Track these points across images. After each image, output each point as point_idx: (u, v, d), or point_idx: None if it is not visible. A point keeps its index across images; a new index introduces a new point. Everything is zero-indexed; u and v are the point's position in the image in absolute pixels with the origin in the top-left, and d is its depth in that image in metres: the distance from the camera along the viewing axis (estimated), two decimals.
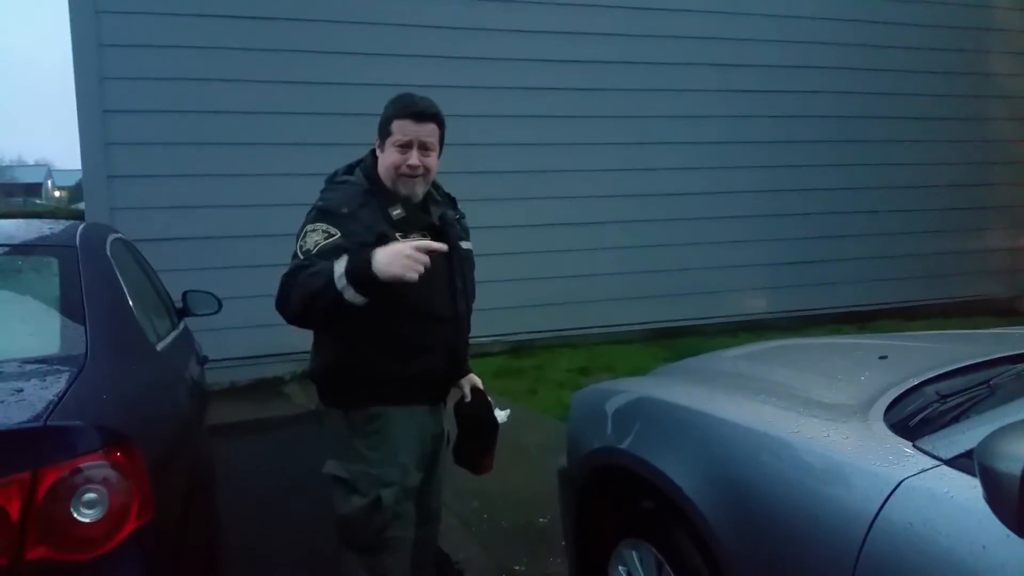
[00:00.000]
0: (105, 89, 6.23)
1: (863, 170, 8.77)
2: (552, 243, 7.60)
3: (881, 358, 2.35)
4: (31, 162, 61.52)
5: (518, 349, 7.48)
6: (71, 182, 49.61)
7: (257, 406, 6.09)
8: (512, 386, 6.23)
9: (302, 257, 2.08)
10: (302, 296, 2.01)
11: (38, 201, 48.25)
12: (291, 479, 4.27)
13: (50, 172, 60.86)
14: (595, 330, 7.82)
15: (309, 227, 2.13)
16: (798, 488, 1.67)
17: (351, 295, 1.95)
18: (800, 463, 1.69)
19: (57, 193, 56.05)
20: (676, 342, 7.65)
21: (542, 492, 3.77)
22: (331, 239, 2.07)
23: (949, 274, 9.19)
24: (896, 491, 1.47)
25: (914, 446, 1.57)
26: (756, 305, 8.54)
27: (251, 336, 6.07)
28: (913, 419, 1.75)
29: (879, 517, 1.47)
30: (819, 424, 1.77)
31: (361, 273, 1.93)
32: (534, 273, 7.51)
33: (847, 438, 1.68)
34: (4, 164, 53.65)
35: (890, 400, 1.85)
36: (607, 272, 7.83)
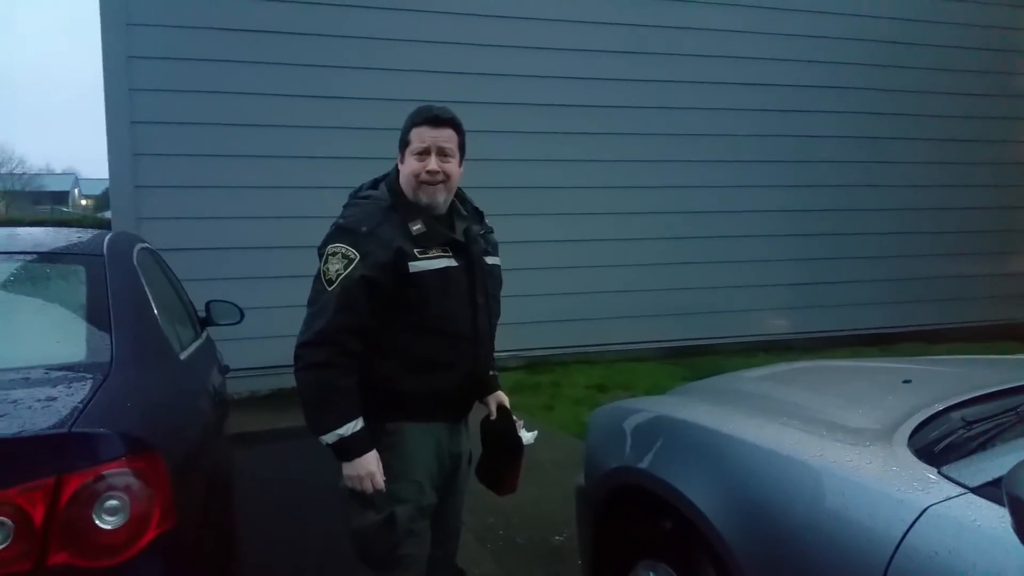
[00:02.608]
0: (134, 101, 6.32)
1: (886, 191, 8.73)
2: (571, 259, 7.60)
3: (905, 382, 2.33)
4: (59, 171, 62.30)
5: (535, 364, 7.48)
6: (98, 191, 50.20)
7: (277, 416, 6.10)
8: (529, 402, 6.23)
9: (326, 286, 2.12)
10: (306, 394, 2.14)
11: (65, 209, 48.83)
12: (309, 489, 4.26)
13: (77, 181, 61.67)
14: (612, 347, 7.81)
15: (330, 248, 2.16)
16: (820, 513, 1.65)
17: (322, 441, 2.13)
18: (822, 487, 1.67)
19: (84, 202, 56.74)
20: (694, 361, 7.61)
21: (558, 509, 3.76)
22: (351, 266, 2.10)
23: (973, 297, 9.10)
24: (920, 518, 1.45)
25: (939, 473, 1.55)
26: (776, 325, 8.49)
27: (271, 346, 6.07)
28: (938, 445, 1.74)
29: (903, 544, 1.45)
30: (842, 448, 1.76)
31: (336, 454, 2.14)
32: (552, 289, 7.51)
33: (871, 463, 1.66)
34: (33, 173, 54.35)
35: (915, 425, 1.83)
36: (625, 289, 7.82)
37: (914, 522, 1.45)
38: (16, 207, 43.64)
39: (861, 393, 2.30)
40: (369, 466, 2.12)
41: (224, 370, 3.93)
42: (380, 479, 2.13)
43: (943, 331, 8.65)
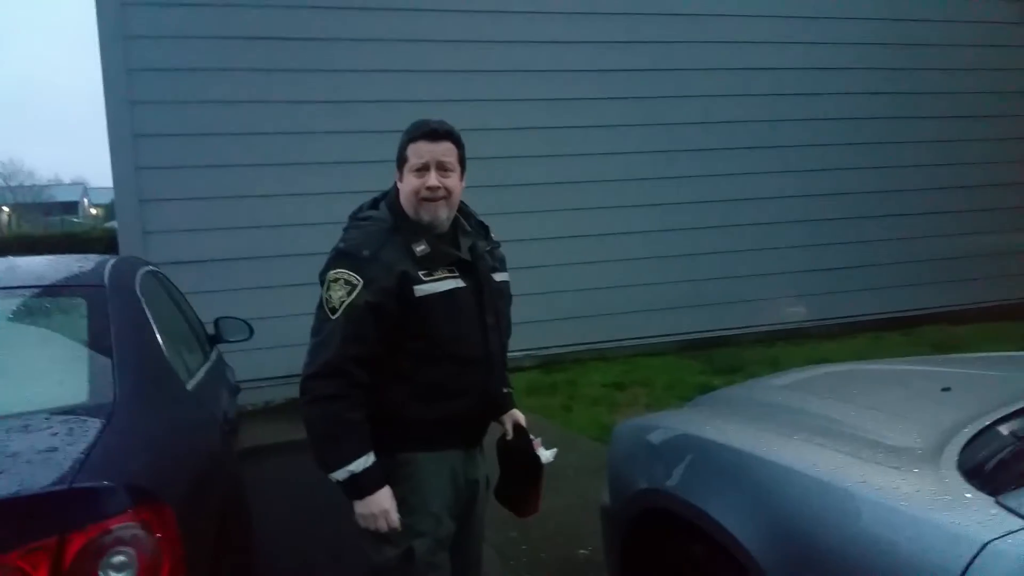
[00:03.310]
0: (135, 113, 6.26)
1: (902, 171, 8.57)
2: (582, 255, 7.50)
3: (944, 390, 2.22)
4: (67, 181, 62.46)
5: (550, 363, 7.39)
6: (107, 199, 50.33)
7: (291, 426, 5.97)
8: (546, 403, 6.14)
9: (330, 314, 2.03)
10: (314, 428, 2.05)
11: (75, 219, 48.99)
12: (326, 500, 4.18)
13: (86, 190, 61.90)
14: (628, 342, 7.71)
15: (331, 274, 2.06)
16: (864, 544, 1.55)
17: (331, 479, 2.04)
18: (867, 517, 1.57)
19: (93, 211, 56.93)
20: (712, 353, 7.52)
21: (582, 520, 3.67)
22: (354, 293, 2.01)
23: (995, 276, 8.93)
24: (980, 555, 1.34)
25: (997, 502, 1.45)
26: (793, 313, 8.37)
27: (284, 356, 6.00)
28: (989, 465, 1.63)
29: None
30: (886, 473, 1.65)
31: (347, 492, 2.05)
32: (564, 285, 7.42)
33: (919, 491, 1.56)
34: (42, 184, 54.57)
35: (962, 444, 1.73)
36: (639, 283, 7.72)
37: (973, 559, 1.35)
38: (27, 219, 43.89)
39: (899, 404, 2.20)
40: (383, 503, 2.03)
41: (235, 390, 3.86)
42: (395, 516, 2.04)
43: (966, 312, 8.50)
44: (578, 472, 4.38)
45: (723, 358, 7.22)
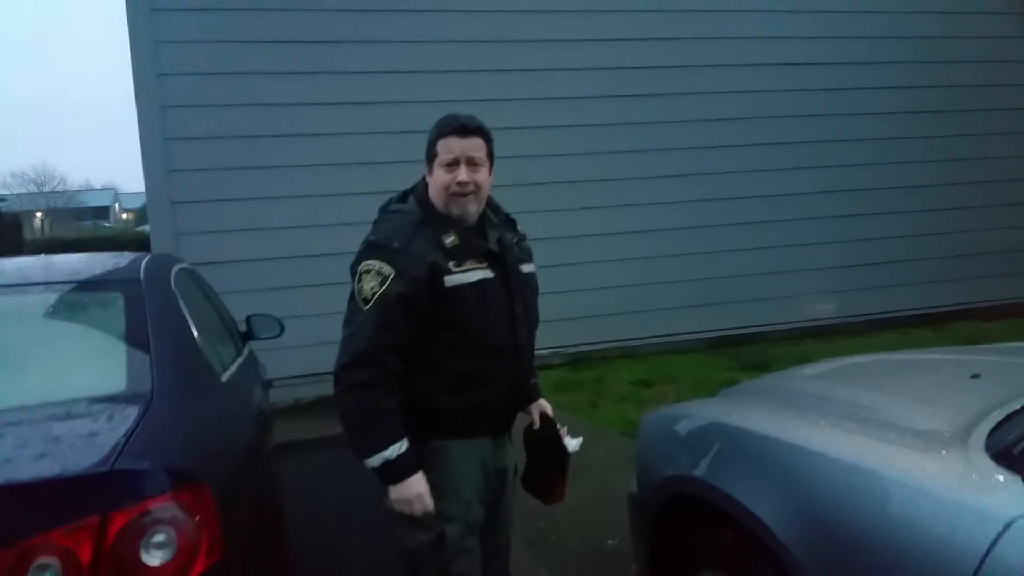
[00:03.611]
0: (166, 117, 6.36)
1: (932, 166, 8.46)
2: (609, 252, 7.50)
3: (973, 377, 2.22)
4: (98, 186, 63.43)
5: (577, 361, 7.40)
6: (138, 204, 51.05)
7: (321, 423, 6.08)
8: (573, 399, 6.16)
9: (362, 305, 2.06)
10: (348, 417, 2.08)
11: (106, 224, 49.77)
12: (356, 497, 4.24)
13: (117, 195, 62.79)
14: (655, 340, 7.70)
15: (363, 266, 2.10)
16: (893, 526, 1.55)
17: (367, 464, 2.07)
18: (895, 499, 1.58)
19: (124, 215, 57.74)
20: (739, 350, 7.48)
21: (609, 511, 3.69)
22: (386, 283, 2.05)
23: None
24: (1006, 531, 1.35)
25: (1023, 481, 1.45)
26: (821, 310, 8.30)
27: (314, 354, 6.07)
28: (1016, 448, 1.63)
29: (987, 560, 1.35)
30: (914, 455, 1.66)
31: (382, 478, 2.08)
32: (591, 283, 7.42)
33: (946, 471, 1.57)
34: (73, 190, 55.39)
35: (991, 427, 1.73)
36: (666, 280, 7.70)
37: (999, 536, 1.35)
38: (60, 225, 44.61)
39: (927, 391, 2.19)
40: (418, 487, 2.07)
41: (267, 385, 3.93)
42: (429, 501, 2.08)
43: (999, 307, 8.37)
44: (605, 465, 4.40)
45: (750, 355, 7.19)
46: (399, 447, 2.05)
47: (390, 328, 2.05)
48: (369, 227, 2.24)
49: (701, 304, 7.85)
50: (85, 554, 1.60)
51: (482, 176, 2.19)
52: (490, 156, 2.23)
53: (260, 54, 6.57)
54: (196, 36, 6.42)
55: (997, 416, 1.77)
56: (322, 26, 6.70)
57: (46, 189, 52.19)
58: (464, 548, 2.17)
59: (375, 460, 2.04)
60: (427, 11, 6.93)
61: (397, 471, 2.05)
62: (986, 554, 1.35)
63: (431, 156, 2.20)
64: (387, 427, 2.06)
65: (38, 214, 46.72)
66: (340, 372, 2.08)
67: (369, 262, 2.09)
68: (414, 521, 2.13)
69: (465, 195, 2.16)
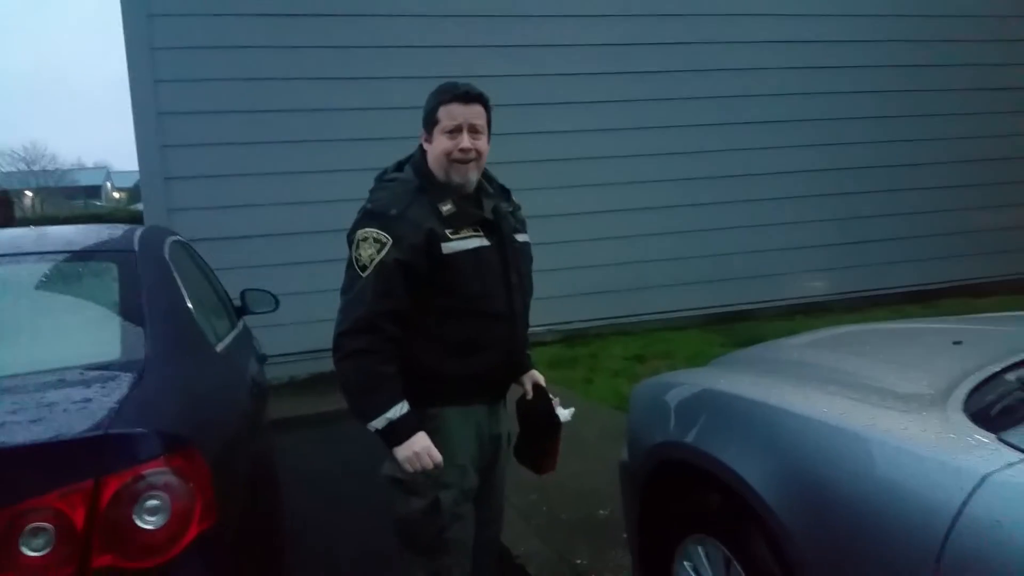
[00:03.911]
0: (159, 92, 6.34)
1: (923, 145, 8.50)
2: (603, 230, 7.52)
3: (955, 343, 2.25)
4: (90, 165, 62.99)
5: (572, 338, 7.44)
6: (129, 183, 50.88)
7: (317, 399, 6.15)
8: (568, 375, 6.21)
9: (360, 272, 2.08)
10: (349, 382, 2.10)
11: (98, 203, 49.51)
12: (353, 472, 4.30)
13: (109, 174, 62.41)
14: (649, 317, 7.74)
15: (360, 233, 2.11)
16: (874, 483, 1.59)
17: (370, 428, 2.09)
18: (875, 457, 1.61)
19: (116, 195, 57.50)
20: (733, 327, 7.53)
21: (601, 484, 3.74)
22: (384, 250, 2.06)
23: (1016, 249, 8.85)
24: (981, 486, 1.39)
25: (998, 438, 1.49)
26: (814, 287, 8.35)
27: (308, 331, 6.12)
28: (994, 409, 1.67)
29: (963, 514, 1.39)
30: (895, 416, 1.69)
31: (386, 440, 2.09)
32: (587, 261, 7.45)
33: (925, 430, 1.60)
34: (65, 168, 55.07)
35: (969, 389, 1.76)
36: (661, 258, 7.74)
37: (974, 491, 1.39)
38: (50, 203, 44.40)
39: (910, 357, 2.23)
40: (423, 441, 2.09)
41: (262, 359, 3.95)
42: (436, 452, 2.09)
43: (988, 284, 8.43)
44: (599, 439, 4.45)
45: (744, 331, 7.23)
46: (401, 408, 2.07)
47: (388, 294, 2.07)
48: (360, 206, 2.25)
49: (695, 281, 7.89)
50: (79, 518, 1.61)
51: (482, 143, 2.21)
52: (489, 124, 2.25)
53: (255, 28, 6.53)
54: (189, 9, 6.39)
55: (976, 378, 1.81)
56: (317, 0, 6.66)
57: (36, 168, 51.91)
58: (458, 515, 2.20)
59: (379, 422, 2.06)
60: None
61: (401, 431, 2.07)
62: (962, 507, 1.39)
63: (432, 123, 2.21)
64: (388, 390, 2.08)
65: (28, 193, 46.48)
66: (340, 339, 2.10)
67: (367, 230, 2.11)
68: (409, 488, 2.15)
69: (467, 162, 2.18)
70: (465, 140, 2.16)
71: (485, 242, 2.19)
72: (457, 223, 2.16)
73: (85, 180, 57.57)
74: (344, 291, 2.14)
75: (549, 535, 3.54)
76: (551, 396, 2.40)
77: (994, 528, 1.34)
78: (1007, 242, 8.80)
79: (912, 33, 8.32)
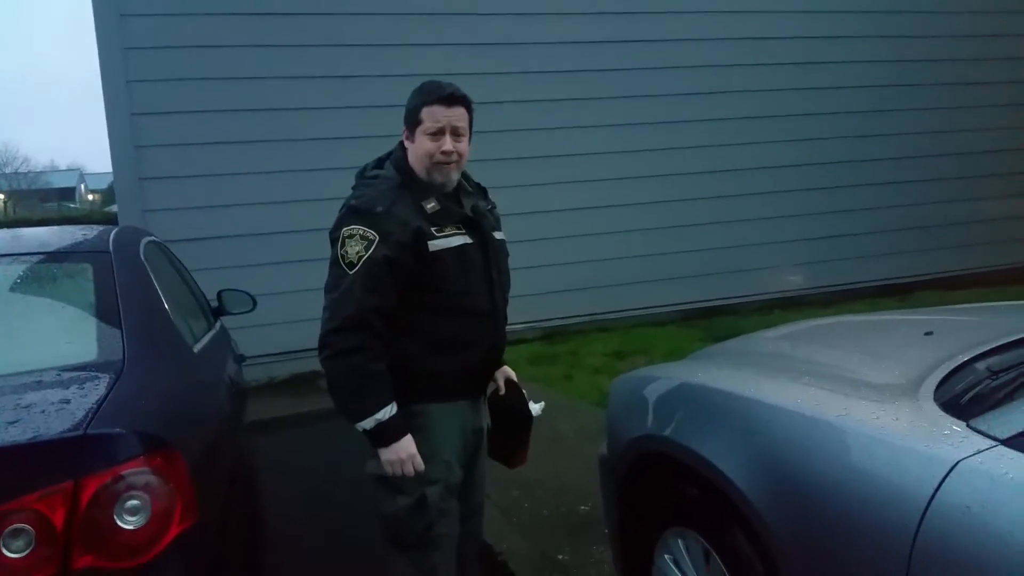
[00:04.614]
0: (132, 92, 6.27)
1: (895, 140, 8.59)
2: (582, 227, 7.54)
3: (927, 334, 2.29)
4: (63, 167, 62.46)
5: (552, 335, 7.46)
6: (104, 185, 50.33)
7: (296, 400, 6.14)
8: (547, 372, 6.22)
9: (347, 269, 2.07)
10: (339, 381, 2.11)
11: (72, 205, 48.97)
12: (332, 472, 4.30)
13: (83, 176, 61.79)
14: (628, 313, 7.77)
15: (346, 230, 2.10)
16: (848, 472, 1.62)
17: (359, 427, 2.10)
18: (849, 446, 1.64)
19: (91, 196, 56.90)
20: (711, 322, 7.58)
21: (582, 479, 3.75)
22: (372, 247, 2.06)
23: (989, 242, 8.97)
24: (951, 473, 1.41)
25: (968, 426, 1.52)
26: (791, 281, 8.42)
27: (287, 331, 6.12)
28: (964, 397, 1.70)
29: (934, 501, 1.42)
30: (867, 405, 1.72)
31: (373, 440, 2.11)
32: (565, 258, 7.47)
33: (897, 419, 1.63)
34: (38, 171, 54.52)
35: (939, 378, 1.79)
36: (639, 254, 7.77)
37: (945, 477, 1.42)
38: (23, 206, 43.93)
39: (883, 348, 2.26)
40: (409, 448, 2.10)
41: (240, 359, 3.93)
42: (420, 460, 2.11)
43: (961, 277, 8.55)
44: (579, 435, 4.47)
45: (722, 326, 7.26)
46: (390, 409, 2.08)
47: (377, 291, 2.07)
48: (341, 203, 2.24)
49: (673, 277, 7.93)
50: (59, 519, 1.60)
51: (464, 145, 2.23)
52: (470, 125, 2.26)
53: (228, 27, 6.48)
54: (162, 9, 6.32)
55: (946, 368, 1.84)
56: None
57: (8, 170, 51.26)
58: (444, 510, 2.21)
59: (367, 423, 2.07)
60: None
61: (389, 433, 2.09)
62: (934, 494, 1.42)
63: (414, 123, 2.21)
64: (378, 390, 2.08)
65: (0, 196, 45.89)
66: (328, 337, 2.09)
67: (352, 227, 2.10)
68: (395, 486, 2.16)
69: (449, 163, 2.20)
70: (448, 143, 2.17)
71: (468, 240, 2.21)
72: (441, 221, 2.17)
73: (58, 182, 56.96)
74: (329, 289, 2.13)
75: (531, 531, 3.55)
76: (522, 391, 2.43)
77: (964, 514, 1.37)
78: (980, 235, 8.92)
79: (886, 29, 8.40)
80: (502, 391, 2.43)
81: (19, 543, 1.57)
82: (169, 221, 6.18)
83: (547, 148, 7.36)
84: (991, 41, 8.85)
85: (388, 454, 2.10)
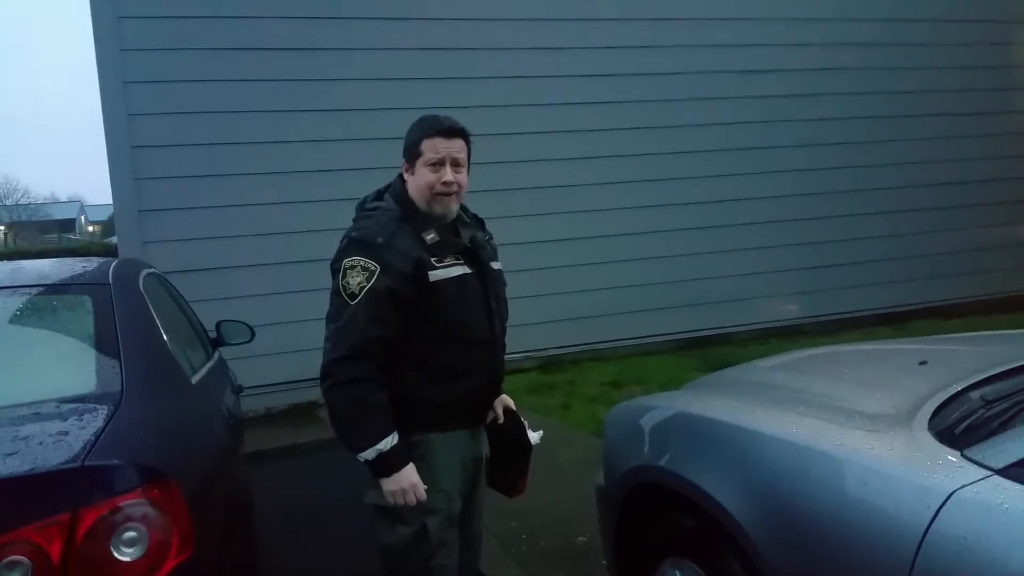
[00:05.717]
0: (133, 125, 6.32)
1: (891, 170, 8.65)
2: (579, 256, 7.56)
3: (921, 363, 2.30)
4: (64, 198, 62.75)
5: (549, 364, 7.45)
6: (103, 216, 50.52)
7: (293, 431, 6.12)
8: (545, 402, 6.21)
9: (349, 300, 2.09)
10: (341, 412, 2.11)
11: (72, 236, 49.11)
12: (330, 503, 4.27)
13: (83, 208, 61.98)
14: (625, 342, 7.77)
15: (347, 262, 2.12)
16: (843, 503, 1.63)
17: (361, 458, 2.10)
18: (844, 477, 1.65)
19: (90, 228, 57.05)
20: (707, 351, 7.58)
21: (580, 510, 3.74)
22: (373, 278, 2.08)
23: (985, 270, 9.00)
24: (947, 503, 1.42)
25: (963, 456, 1.53)
26: (787, 311, 8.44)
27: (284, 362, 6.12)
28: (959, 427, 1.71)
29: (930, 531, 1.43)
30: (862, 436, 1.73)
31: (375, 471, 2.11)
32: (562, 287, 7.48)
33: (892, 449, 1.64)
34: (38, 202, 54.67)
35: (934, 408, 1.81)
36: (635, 283, 7.78)
37: (940, 508, 1.43)
38: (23, 237, 43.97)
39: (877, 377, 2.27)
40: (411, 478, 2.10)
41: (238, 390, 3.93)
42: (422, 490, 2.11)
43: (957, 306, 8.57)
44: (576, 466, 4.45)
45: (718, 356, 7.28)
46: (392, 439, 2.08)
47: (378, 321, 2.08)
48: (340, 233, 2.26)
49: (669, 307, 7.93)
50: (55, 551, 1.60)
51: (463, 177, 2.26)
52: (469, 156, 2.30)
53: (228, 61, 6.54)
54: (162, 44, 6.38)
55: (940, 398, 1.85)
56: (289, 34, 6.68)
57: (9, 202, 51.40)
58: (444, 541, 2.21)
59: (369, 453, 2.07)
60: (396, 19, 6.95)
61: (390, 463, 2.09)
62: (930, 524, 1.43)
63: (414, 155, 2.24)
64: (380, 420, 2.09)
65: (1, 227, 45.99)
66: (330, 367, 2.10)
67: (354, 258, 2.12)
68: (395, 516, 2.16)
69: (449, 195, 2.23)
70: (448, 174, 2.20)
71: (467, 270, 2.23)
72: (441, 252, 2.19)
73: (59, 214, 57.12)
74: (331, 319, 2.14)
75: (529, 563, 3.53)
76: (521, 419, 2.43)
77: (960, 544, 1.38)
78: (975, 264, 8.95)
79: (880, 61, 8.50)
80: (501, 420, 2.43)
81: (15, 575, 1.57)
82: (169, 252, 6.20)
83: (541, 179, 7.39)
84: (987, 71, 8.96)
85: (390, 484, 2.10)
